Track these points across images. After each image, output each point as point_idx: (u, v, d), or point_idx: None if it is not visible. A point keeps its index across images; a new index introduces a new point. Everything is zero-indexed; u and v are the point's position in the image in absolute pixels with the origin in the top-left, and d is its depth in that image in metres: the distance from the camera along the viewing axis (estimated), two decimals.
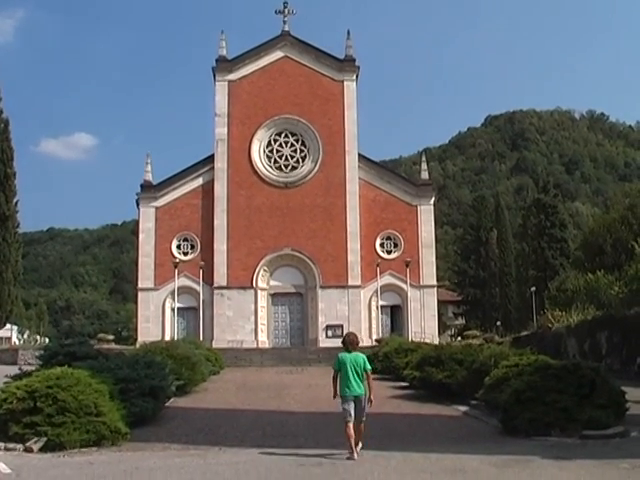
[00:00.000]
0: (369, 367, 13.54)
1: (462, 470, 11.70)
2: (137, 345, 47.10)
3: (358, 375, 13.28)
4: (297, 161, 62.22)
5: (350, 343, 13.70)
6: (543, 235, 75.95)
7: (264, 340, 59.24)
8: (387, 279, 60.23)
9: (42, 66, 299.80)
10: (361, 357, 13.53)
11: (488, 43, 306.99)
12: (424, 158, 68.59)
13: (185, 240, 61.15)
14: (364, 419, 13.36)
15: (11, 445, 13.91)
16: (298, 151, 62.40)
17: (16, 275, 61.27)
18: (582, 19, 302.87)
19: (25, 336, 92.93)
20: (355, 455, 12.87)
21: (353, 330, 56.76)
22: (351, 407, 13.10)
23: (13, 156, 61.58)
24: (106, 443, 14.49)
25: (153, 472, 12.18)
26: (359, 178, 61.49)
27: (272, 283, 60.80)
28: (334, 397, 13.61)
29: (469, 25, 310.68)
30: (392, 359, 34.11)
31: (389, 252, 61.40)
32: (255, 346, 56.97)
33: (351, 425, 13.01)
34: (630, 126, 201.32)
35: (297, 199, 60.78)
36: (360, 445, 13.27)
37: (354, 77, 63.22)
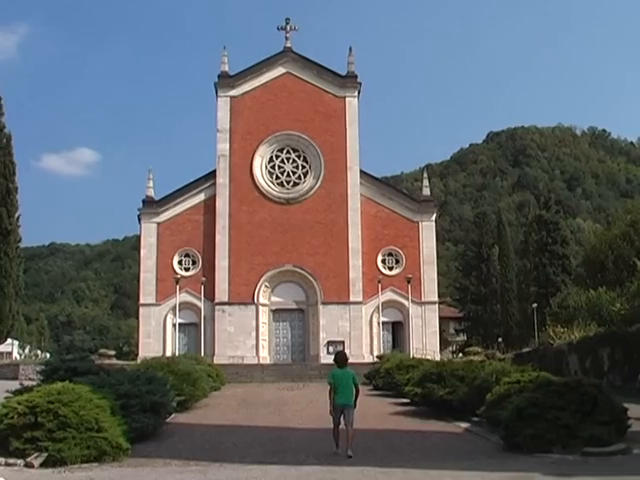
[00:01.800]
0: (357, 381, 16.04)
1: None
2: (138, 360, 46.96)
3: (348, 388, 15.69)
4: (299, 177, 62.30)
5: (341, 360, 16.23)
6: (545, 251, 75.96)
7: (265, 356, 59.16)
8: (388, 295, 60.21)
9: (44, 81, 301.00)
10: (350, 373, 15.98)
11: (489, 59, 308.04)
12: (426, 174, 68.79)
13: (187, 256, 61.20)
14: (352, 426, 15.53)
15: (12, 460, 13.88)
16: (300, 167, 62.49)
17: (17, 290, 61.21)
18: (583, 36, 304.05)
19: (26, 351, 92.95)
20: (339, 451, 15.36)
21: (355, 346, 57.56)
22: (339, 415, 15.54)
23: (15, 171, 61.62)
24: (107, 459, 14.46)
25: None
26: (360, 194, 61.54)
27: (273, 299, 60.78)
28: (330, 412, 15.81)
29: (471, 42, 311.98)
30: (393, 375, 33.99)
31: (390, 268, 61.38)
32: (256, 362, 56.89)
33: (337, 430, 15.54)
34: (631, 143, 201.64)
35: (299, 215, 60.84)
36: (350, 451, 15.13)
37: (356, 93, 63.35)
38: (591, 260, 56.72)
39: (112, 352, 54.33)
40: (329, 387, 15.95)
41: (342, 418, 15.60)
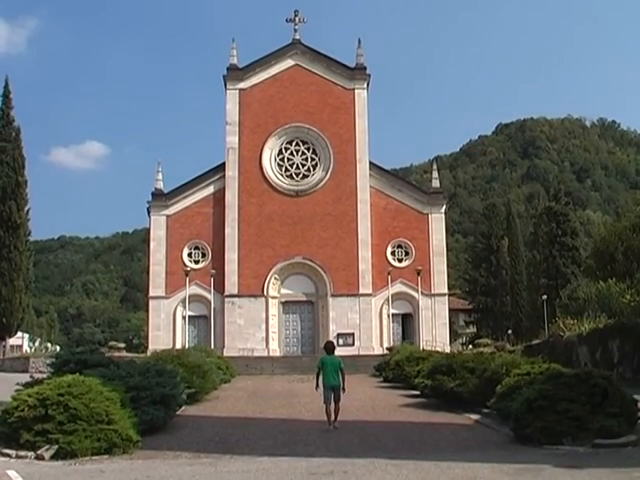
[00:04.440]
0: (343, 366, 19.05)
1: (474, 479, 11.67)
2: (148, 353, 47.01)
3: (335, 372, 18.83)
4: (308, 169, 62.24)
5: (330, 349, 19.85)
6: (554, 243, 75.63)
7: (275, 348, 59.21)
8: (398, 287, 60.17)
9: (53, 75, 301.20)
10: (337, 359, 19.21)
11: (499, 51, 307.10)
12: (435, 166, 68.77)
13: (196, 248, 61.23)
14: (340, 402, 18.82)
15: (22, 453, 13.95)
16: (309, 159, 62.43)
17: (27, 283, 61.43)
18: (593, 27, 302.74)
19: (36, 344, 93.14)
20: (332, 427, 18.23)
21: (365, 338, 57.61)
22: (330, 394, 18.67)
23: (24, 164, 61.84)
24: (117, 451, 14.51)
25: None
26: (370, 186, 61.47)
27: (283, 291, 60.78)
28: (316, 388, 19.20)
29: (481, 33, 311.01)
30: (403, 367, 34.00)
31: (400, 260, 61.33)
32: (266, 354, 56.96)
33: (329, 406, 18.54)
34: None
35: (308, 207, 60.80)
36: (337, 423, 18.48)
37: (365, 85, 63.22)
38: (601, 252, 56.40)
39: (122, 345, 54.58)
40: (317, 370, 19.22)
41: (332, 397, 18.63)
